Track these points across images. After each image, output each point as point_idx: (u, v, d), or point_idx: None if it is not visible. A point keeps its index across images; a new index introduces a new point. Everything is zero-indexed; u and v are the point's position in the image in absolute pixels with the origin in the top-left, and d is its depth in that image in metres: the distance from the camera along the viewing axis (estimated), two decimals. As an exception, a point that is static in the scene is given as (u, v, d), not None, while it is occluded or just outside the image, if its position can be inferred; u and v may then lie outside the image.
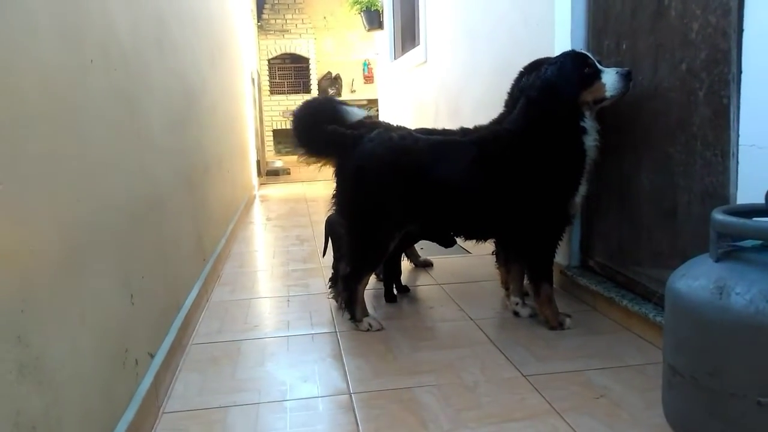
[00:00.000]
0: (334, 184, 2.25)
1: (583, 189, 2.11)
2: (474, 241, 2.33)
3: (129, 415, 1.41)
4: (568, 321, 2.14)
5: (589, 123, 2.03)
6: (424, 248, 3.10)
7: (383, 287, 2.59)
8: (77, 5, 1.34)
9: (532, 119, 2.06)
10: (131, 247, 1.62)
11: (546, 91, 2.01)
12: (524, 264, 2.24)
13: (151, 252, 1.84)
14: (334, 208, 2.27)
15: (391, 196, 2.13)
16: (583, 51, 2.08)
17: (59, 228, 1.15)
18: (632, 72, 1.95)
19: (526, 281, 2.29)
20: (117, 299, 1.47)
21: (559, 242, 2.20)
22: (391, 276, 2.59)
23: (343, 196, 2.22)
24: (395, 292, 2.60)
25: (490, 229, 2.27)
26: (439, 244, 2.60)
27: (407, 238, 2.56)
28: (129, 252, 1.59)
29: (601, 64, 2.00)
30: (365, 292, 2.29)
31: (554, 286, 2.53)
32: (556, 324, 2.13)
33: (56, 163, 1.16)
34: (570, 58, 2.01)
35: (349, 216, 2.22)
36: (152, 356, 1.72)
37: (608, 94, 1.97)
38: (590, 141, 2.05)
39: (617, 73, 1.95)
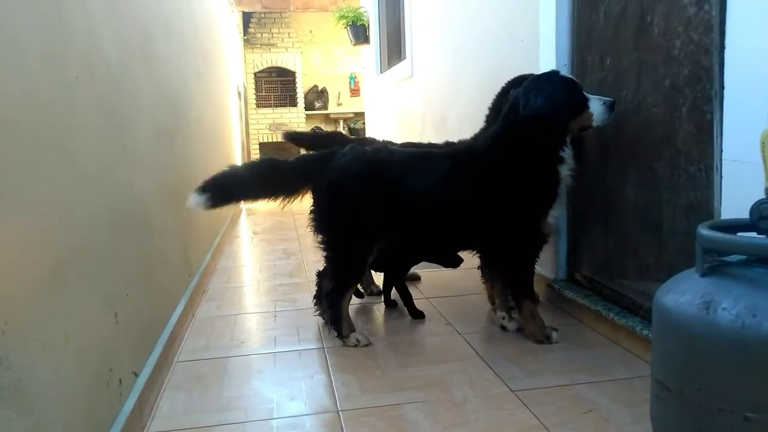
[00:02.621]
0: (311, 200, 2.24)
1: (557, 211, 2.12)
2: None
3: (112, 436, 1.39)
4: (554, 334, 2.13)
5: (567, 152, 2.03)
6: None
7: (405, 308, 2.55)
8: (62, 23, 1.33)
9: (511, 143, 2.03)
10: (116, 264, 1.60)
11: (536, 122, 1.96)
12: (504, 281, 2.24)
13: (136, 269, 1.81)
14: (311, 224, 2.25)
15: (365, 209, 2.12)
16: (568, 76, 2.05)
17: (42, 246, 1.13)
18: (615, 103, 1.97)
19: None
20: (101, 318, 1.45)
21: (535, 260, 2.18)
22: (407, 297, 2.55)
23: (318, 212, 2.21)
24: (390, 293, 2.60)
25: (463, 244, 2.28)
26: (442, 265, 2.57)
27: (406, 259, 2.56)
28: (113, 269, 1.57)
29: (582, 90, 2.00)
30: (351, 308, 2.27)
31: (541, 299, 2.55)
32: (542, 338, 2.13)
33: (39, 181, 1.14)
34: (559, 86, 1.97)
35: (326, 231, 2.21)
36: (136, 375, 1.69)
37: (595, 123, 1.98)
38: (566, 170, 2.05)
39: (603, 103, 1.96)
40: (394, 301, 2.64)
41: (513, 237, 2.10)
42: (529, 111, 1.96)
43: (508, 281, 2.20)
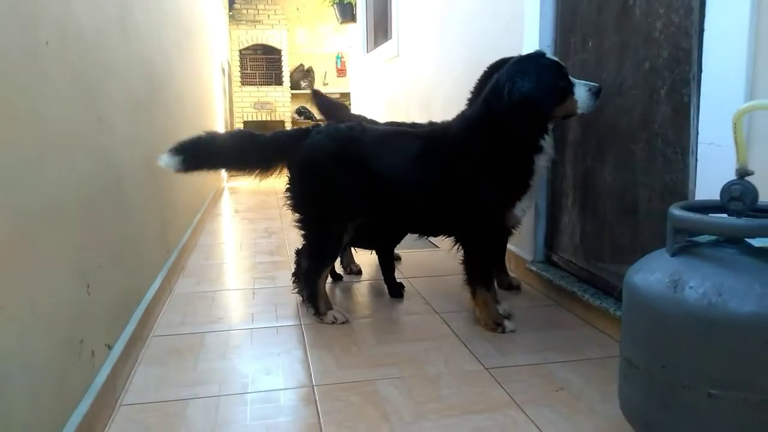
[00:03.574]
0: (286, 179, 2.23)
1: (526, 203, 2.04)
2: (428, 236, 2.32)
3: (83, 407, 1.38)
4: (507, 323, 2.07)
5: (547, 141, 1.96)
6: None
7: (386, 285, 2.54)
8: (32, -16, 1.29)
9: (489, 128, 1.96)
10: (89, 236, 1.58)
11: (523, 107, 1.86)
12: (463, 266, 2.15)
13: (110, 241, 1.79)
14: (287, 202, 2.24)
15: (337, 187, 2.10)
16: (554, 58, 1.95)
17: (7, 214, 1.11)
18: (601, 89, 1.89)
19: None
20: (72, 288, 1.43)
21: (496, 249, 2.16)
22: (389, 272, 2.54)
23: (292, 190, 2.20)
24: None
25: (433, 227, 2.24)
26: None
27: (393, 232, 2.55)
28: (86, 240, 1.55)
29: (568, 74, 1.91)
30: (331, 286, 2.27)
31: (520, 281, 2.57)
32: (493, 327, 2.07)
33: (4, 148, 1.11)
34: (547, 69, 1.88)
35: (300, 209, 2.20)
36: (110, 348, 1.68)
37: (579, 111, 1.90)
38: (543, 161, 1.98)
39: (589, 90, 1.88)
40: (400, 284, 2.56)
41: (474, 225, 2.06)
42: (515, 96, 1.86)
43: (465, 266, 2.13)
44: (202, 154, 2.15)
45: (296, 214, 2.22)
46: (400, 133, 2.18)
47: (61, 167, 1.40)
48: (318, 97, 3.09)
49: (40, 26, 1.33)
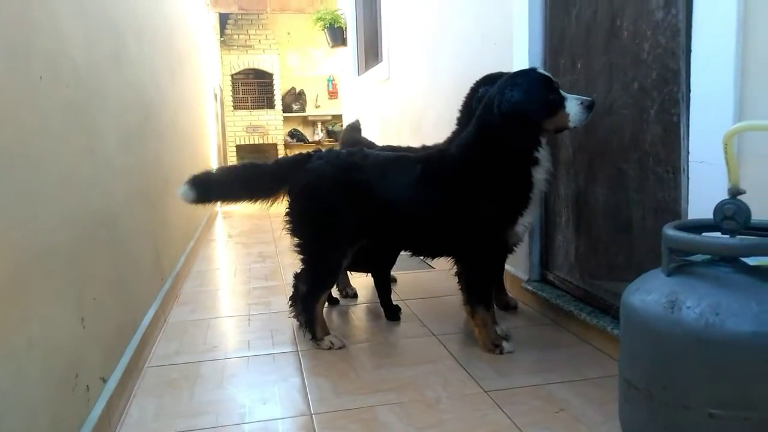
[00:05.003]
0: (286, 204, 2.25)
1: (528, 219, 2.03)
2: (429, 258, 2.33)
3: (78, 444, 1.36)
4: (506, 345, 2.06)
5: (542, 153, 1.96)
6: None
7: (382, 308, 2.53)
8: (24, 22, 1.30)
9: (485, 144, 1.97)
10: (83, 268, 1.57)
11: (513, 117, 1.87)
12: (462, 285, 2.15)
13: (104, 273, 1.78)
14: (286, 227, 2.24)
15: (337, 212, 2.11)
16: (545, 72, 1.96)
17: (3, 250, 1.10)
18: (595, 103, 1.89)
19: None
20: (66, 322, 1.42)
21: (496, 268, 2.17)
22: (385, 294, 2.54)
23: (292, 215, 2.21)
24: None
25: (435, 248, 2.23)
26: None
27: (388, 254, 2.55)
28: (80, 273, 1.54)
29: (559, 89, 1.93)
30: (327, 310, 2.26)
31: (517, 300, 2.57)
32: (491, 348, 2.06)
33: (1, 183, 1.11)
34: (537, 81, 1.89)
35: (300, 234, 2.21)
36: (105, 381, 1.66)
37: (571, 124, 1.89)
38: (540, 173, 1.97)
39: (581, 103, 1.87)
40: (396, 306, 2.54)
41: (476, 244, 2.05)
42: (504, 107, 1.87)
43: (464, 286, 2.13)
44: (210, 189, 2.25)
45: (295, 239, 2.22)
46: (399, 158, 2.18)
47: (55, 202, 1.40)
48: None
49: (34, 61, 1.33)
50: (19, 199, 1.19)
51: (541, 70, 1.97)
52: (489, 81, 2.22)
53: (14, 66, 1.22)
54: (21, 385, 1.13)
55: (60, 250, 1.40)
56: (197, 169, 2.24)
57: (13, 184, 1.17)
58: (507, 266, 2.68)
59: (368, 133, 5.56)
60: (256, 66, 10.21)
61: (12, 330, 1.11)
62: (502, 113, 1.89)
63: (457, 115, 2.43)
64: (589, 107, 1.88)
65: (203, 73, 5.88)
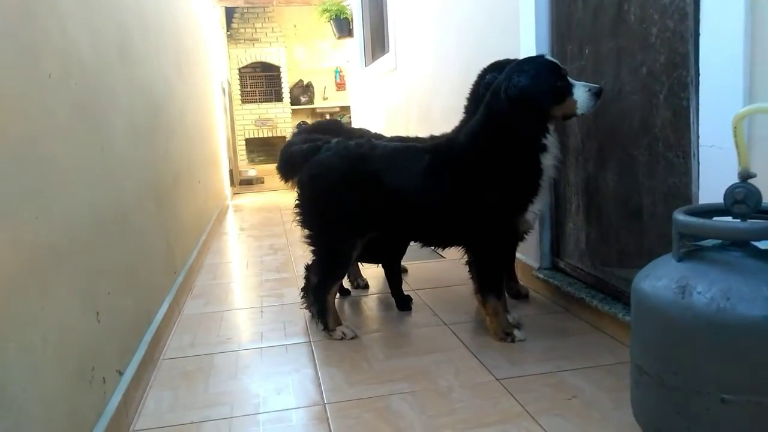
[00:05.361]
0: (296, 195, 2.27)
1: (538, 206, 2.03)
2: (439, 248, 2.33)
3: (96, 435, 1.38)
4: (517, 333, 2.06)
5: (550, 140, 1.96)
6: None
7: (393, 298, 2.54)
8: (33, 21, 1.31)
9: (493, 131, 1.97)
10: (96, 264, 1.59)
11: (520, 103, 1.87)
12: (473, 274, 2.16)
13: (117, 267, 1.80)
14: (296, 218, 2.26)
15: (346, 204, 2.12)
16: (553, 59, 1.96)
17: (15, 246, 1.12)
18: (603, 90, 1.88)
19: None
20: (81, 317, 1.44)
21: (507, 256, 2.17)
22: (396, 285, 2.54)
23: (302, 206, 2.23)
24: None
25: (445, 238, 2.23)
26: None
27: (398, 245, 2.56)
28: (94, 268, 1.56)
29: (567, 76, 1.92)
30: (339, 301, 2.28)
31: (528, 288, 2.57)
32: (502, 336, 2.06)
33: (11, 180, 1.13)
34: (544, 67, 1.89)
35: (309, 226, 2.22)
36: (121, 373, 1.69)
37: (579, 111, 1.89)
38: (549, 160, 1.97)
39: (589, 90, 1.87)
40: (407, 296, 2.55)
41: (487, 232, 2.05)
42: (512, 92, 1.87)
43: (476, 274, 2.13)
44: None
45: (305, 230, 2.23)
46: (408, 148, 2.18)
47: (66, 198, 1.41)
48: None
49: (43, 60, 1.34)
50: (32, 196, 1.21)
51: (549, 57, 1.98)
52: (496, 68, 2.21)
53: (23, 65, 1.24)
54: (39, 379, 1.15)
55: (73, 246, 1.42)
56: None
57: (25, 182, 1.18)
58: (518, 254, 2.68)
59: (376, 124, 5.56)
60: (263, 59, 10.21)
61: (29, 325, 1.13)
62: (510, 98, 1.89)
63: (465, 103, 2.42)
64: (597, 94, 1.88)
65: (211, 68, 5.90)
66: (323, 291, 2.21)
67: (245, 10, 10.07)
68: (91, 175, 1.63)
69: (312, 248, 2.25)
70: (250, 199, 7.08)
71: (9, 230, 1.10)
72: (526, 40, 2.48)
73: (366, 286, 2.85)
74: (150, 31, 2.74)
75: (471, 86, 2.38)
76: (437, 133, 2.61)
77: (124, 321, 1.80)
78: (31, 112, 1.26)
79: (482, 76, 2.30)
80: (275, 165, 2.76)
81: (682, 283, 1.15)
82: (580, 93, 1.88)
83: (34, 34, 1.32)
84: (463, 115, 2.39)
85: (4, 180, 1.09)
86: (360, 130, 3.20)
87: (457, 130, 2.33)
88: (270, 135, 10.32)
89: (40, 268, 1.21)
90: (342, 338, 2.18)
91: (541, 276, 2.49)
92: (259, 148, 10.46)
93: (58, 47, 1.45)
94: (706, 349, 1.11)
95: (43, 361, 1.18)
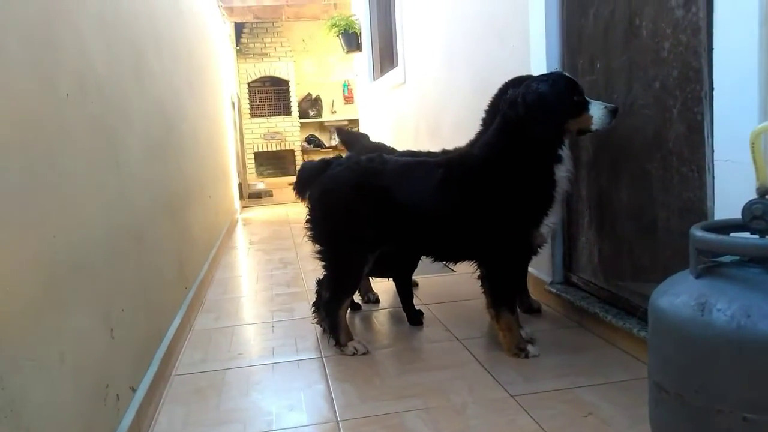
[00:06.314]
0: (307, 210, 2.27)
1: (552, 219, 2.03)
2: (451, 262, 2.33)
3: (111, 453, 1.38)
4: (531, 348, 2.05)
5: (565, 152, 1.97)
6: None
7: (405, 313, 2.54)
8: (51, 41, 1.33)
9: (509, 140, 1.98)
10: (111, 280, 1.59)
11: (537, 109, 1.88)
12: (486, 289, 2.13)
13: (131, 284, 1.81)
14: (307, 233, 2.26)
15: (358, 219, 2.12)
16: (570, 76, 1.99)
17: (35, 265, 1.13)
18: (618, 109, 1.91)
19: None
20: (97, 334, 1.44)
21: (521, 271, 2.16)
22: (407, 298, 2.54)
23: (313, 221, 2.23)
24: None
25: (458, 253, 2.22)
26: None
27: (409, 259, 2.55)
28: (109, 285, 1.57)
29: (584, 93, 1.95)
30: (350, 315, 2.27)
31: (540, 303, 2.55)
32: (516, 352, 2.05)
33: (30, 199, 1.14)
34: (563, 80, 1.93)
35: (320, 241, 2.22)
36: (134, 390, 1.69)
37: (594, 127, 1.92)
38: (562, 171, 1.98)
39: (605, 107, 1.90)
40: (419, 311, 2.55)
41: (501, 247, 2.05)
42: (530, 97, 1.90)
43: (489, 289, 2.11)
44: None
45: (317, 246, 2.23)
46: (420, 163, 2.18)
47: (83, 216, 1.42)
48: (341, 134, 3.36)
49: (61, 79, 1.36)
50: (50, 214, 1.22)
51: (566, 74, 2.00)
52: (518, 83, 2.21)
53: (42, 85, 1.25)
54: (56, 397, 1.15)
55: (90, 263, 1.43)
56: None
57: (42, 201, 1.19)
58: (530, 268, 2.66)
59: (384, 138, 5.57)
60: (272, 73, 10.30)
61: (46, 343, 1.13)
62: (527, 104, 1.91)
63: (476, 119, 2.42)
64: (613, 112, 1.91)
65: (221, 83, 5.95)
66: (335, 306, 2.21)
67: (254, 25, 10.17)
68: (107, 192, 1.64)
69: (323, 263, 2.25)
70: (259, 212, 7.10)
71: (28, 249, 1.11)
72: (536, 54, 2.49)
73: (377, 301, 2.84)
74: (163, 49, 2.77)
75: (491, 99, 2.38)
76: (448, 147, 2.62)
77: (137, 337, 1.81)
78: (49, 130, 1.27)
79: (504, 90, 2.29)
80: (284, 178, 2.80)
81: (701, 300, 1.14)
82: (597, 110, 1.92)
83: (55, 55, 1.34)
84: (480, 128, 2.39)
85: (23, 199, 1.10)
86: (378, 144, 3.21)
87: (472, 143, 2.33)
88: (279, 148, 10.38)
89: (57, 286, 1.22)
90: (354, 353, 2.17)
91: (553, 290, 2.47)
92: (267, 161, 10.52)
93: (75, 67, 1.47)
94: (727, 368, 1.09)
95: (61, 379, 1.18)
